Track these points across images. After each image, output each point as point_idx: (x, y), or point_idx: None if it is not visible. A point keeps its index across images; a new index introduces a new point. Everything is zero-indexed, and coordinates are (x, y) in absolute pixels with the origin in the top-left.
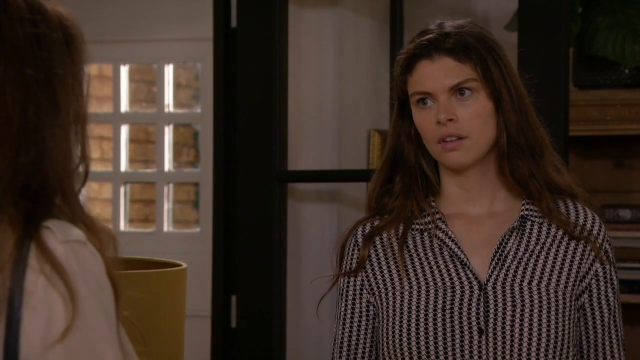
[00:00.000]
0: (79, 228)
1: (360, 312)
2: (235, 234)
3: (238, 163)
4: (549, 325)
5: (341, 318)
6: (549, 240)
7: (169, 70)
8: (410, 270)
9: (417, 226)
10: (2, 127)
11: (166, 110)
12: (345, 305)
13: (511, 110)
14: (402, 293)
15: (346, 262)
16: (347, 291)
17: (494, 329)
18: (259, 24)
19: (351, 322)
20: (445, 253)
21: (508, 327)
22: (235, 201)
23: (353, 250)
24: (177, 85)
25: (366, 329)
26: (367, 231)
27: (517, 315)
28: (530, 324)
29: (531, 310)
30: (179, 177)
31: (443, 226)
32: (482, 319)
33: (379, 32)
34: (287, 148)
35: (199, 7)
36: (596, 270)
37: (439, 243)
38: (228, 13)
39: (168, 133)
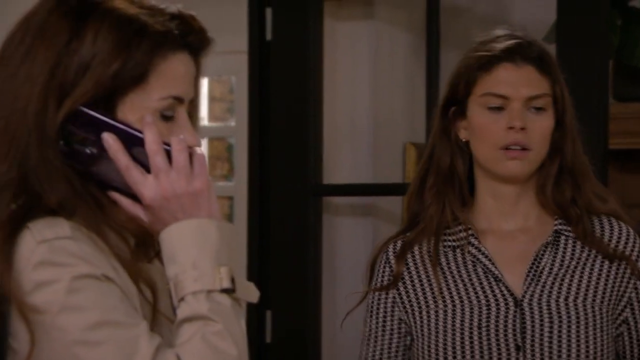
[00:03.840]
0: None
1: (392, 329)
2: (270, 248)
3: (272, 176)
4: (587, 341)
5: (372, 336)
6: (584, 255)
7: (203, 84)
8: (444, 288)
9: (449, 242)
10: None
11: (201, 123)
12: (377, 323)
13: (569, 133)
14: (436, 312)
15: (376, 279)
16: (377, 308)
17: (532, 345)
18: (294, 36)
19: (382, 340)
20: (479, 269)
21: (546, 344)
22: (269, 215)
23: (384, 267)
24: (211, 99)
25: (397, 347)
26: (398, 247)
27: (555, 332)
28: (569, 340)
29: (569, 326)
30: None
31: (475, 242)
32: (518, 335)
33: (414, 45)
34: (322, 161)
35: (234, 20)
36: (635, 285)
37: (472, 259)
38: (263, 26)
39: (202, 147)
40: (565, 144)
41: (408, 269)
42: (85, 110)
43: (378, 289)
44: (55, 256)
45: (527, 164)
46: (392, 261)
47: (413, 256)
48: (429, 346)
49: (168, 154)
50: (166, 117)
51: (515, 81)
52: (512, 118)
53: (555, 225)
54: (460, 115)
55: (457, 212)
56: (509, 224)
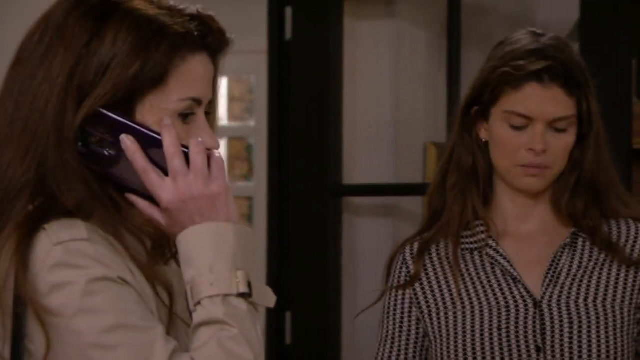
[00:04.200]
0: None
1: (409, 329)
2: (290, 249)
3: (292, 177)
4: (607, 342)
5: (389, 337)
6: (602, 256)
7: (222, 83)
8: (463, 291)
9: (467, 245)
10: None
11: (220, 123)
12: (394, 323)
13: (592, 147)
14: (454, 314)
15: (393, 280)
16: (394, 308)
17: (552, 346)
18: (314, 36)
19: (400, 341)
20: (497, 271)
21: (567, 345)
22: (289, 215)
23: (401, 268)
24: (230, 99)
25: (415, 348)
26: (416, 248)
27: (575, 333)
28: (589, 341)
29: (589, 327)
30: (232, 191)
31: (493, 244)
32: (539, 336)
33: (435, 44)
34: (342, 161)
35: (253, 19)
36: None
37: (490, 261)
38: (283, 25)
39: (222, 146)
40: (585, 159)
41: (426, 270)
42: (104, 111)
43: (397, 287)
44: (70, 258)
45: (544, 180)
46: (409, 262)
47: (431, 257)
48: (447, 348)
49: (186, 157)
50: (185, 119)
51: (541, 102)
52: (533, 141)
53: (573, 227)
54: (482, 116)
55: (478, 210)
56: (526, 226)
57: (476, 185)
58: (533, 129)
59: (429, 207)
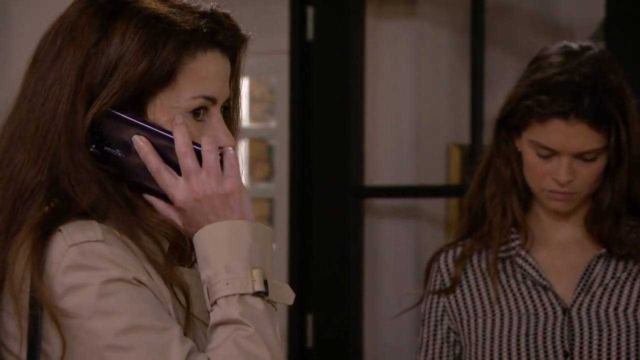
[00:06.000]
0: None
1: (442, 338)
2: (311, 251)
3: (313, 178)
4: (637, 351)
5: (424, 345)
6: (637, 268)
7: (244, 84)
8: (493, 298)
9: (499, 254)
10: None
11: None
12: (428, 332)
13: (625, 173)
14: (484, 320)
15: (429, 286)
16: (429, 316)
17: (580, 352)
18: (335, 36)
19: (433, 349)
20: (528, 281)
21: (595, 351)
22: (310, 217)
23: (436, 275)
24: (251, 99)
25: (447, 357)
26: (451, 256)
27: (605, 339)
28: (618, 349)
29: (618, 336)
30: (253, 192)
31: (523, 253)
32: (566, 342)
33: (458, 44)
34: (363, 163)
35: (274, 19)
36: None
37: (521, 271)
38: (304, 25)
39: (242, 148)
40: (618, 184)
41: (461, 278)
42: (115, 112)
43: (435, 292)
44: (85, 260)
45: (571, 203)
46: (443, 270)
47: (466, 266)
48: (476, 354)
49: (199, 155)
50: (197, 117)
51: (566, 137)
52: (558, 172)
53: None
54: (515, 131)
55: (519, 218)
56: (560, 235)
57: (517, 194)
58: (559, 160)
59: (469, 213)
